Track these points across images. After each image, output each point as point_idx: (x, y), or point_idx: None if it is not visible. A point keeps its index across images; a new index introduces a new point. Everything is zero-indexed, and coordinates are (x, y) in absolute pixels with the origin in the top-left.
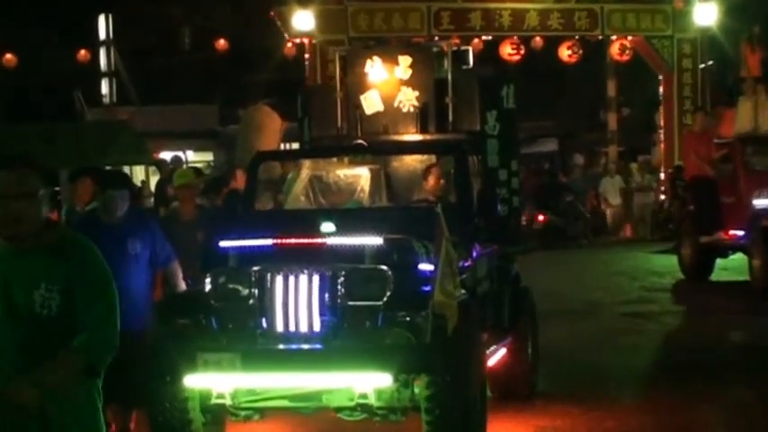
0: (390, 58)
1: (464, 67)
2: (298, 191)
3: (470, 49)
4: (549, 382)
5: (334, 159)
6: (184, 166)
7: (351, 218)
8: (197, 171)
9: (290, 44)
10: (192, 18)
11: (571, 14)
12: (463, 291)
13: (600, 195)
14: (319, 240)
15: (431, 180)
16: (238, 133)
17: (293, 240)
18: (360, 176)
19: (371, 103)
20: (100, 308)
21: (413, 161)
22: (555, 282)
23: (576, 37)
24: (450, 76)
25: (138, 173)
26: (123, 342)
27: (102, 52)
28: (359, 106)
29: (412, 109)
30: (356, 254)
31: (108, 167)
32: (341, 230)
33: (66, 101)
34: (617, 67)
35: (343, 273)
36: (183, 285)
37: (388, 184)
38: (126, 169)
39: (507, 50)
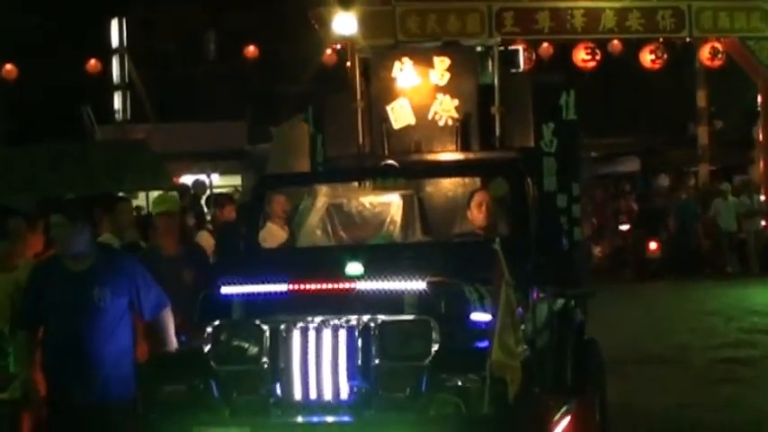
0: (424, 59)
1: (513, 70)
2: (313, 223)
3: (520, 48)
4: None
5: (356, 184)
6: (209, 191)
7: (383, 256)
8: (228, 197)
9: (329, 51)
10: (217, 22)
11: (653, 14)
12: (525, 346)
13: (709, 221)
14: (346, 285)
15: (474, 208)
16: (271, 153)
17: (313, 286)
18: (389, 205)
19: (401, 114)
20: None
21: (453, 185)
22: (635, 323)
23: (660, 39)
24: (497, 82)
25: None
26: (94, 415)
27: (115, 61)
28: (385, 119)
29: (450, 121)
30: (393, 302)
31: (121, 194)
32: (372, 272)
33: (73, 117)
34: (707, 73)
35: (377, 326)
36: (174, 341)
37: (423, 213)
38: (142, 195)
39: (581, 56)
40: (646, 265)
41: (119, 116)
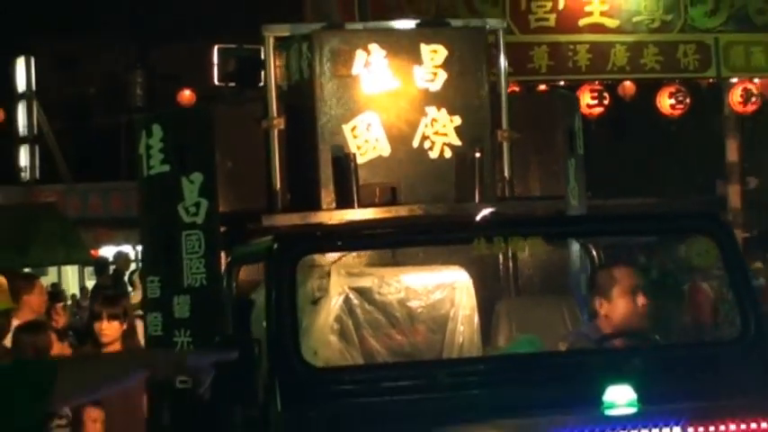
0: (404, 47)
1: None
2: (326, 323)
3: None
4: None
5: (380, 256)
6: (133, 265)
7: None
8: None
9: None
10: (145, 61)
11: (673, 49)
12: None
13: None
14: None
15: (618, 297)
16: None
17: None
18: (452, 287)
19: (366, 139)
20: None
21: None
22: None
23: (680, 81)
24: (503, 88)
25: (69, 276)
26: None
27: (21, 109)
28: (344, 145)
29: (448, 152)
30: None
31: (26, 269)
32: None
33: None
34: (739, 120)
35: None
36: None
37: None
38: (53, 271)
39: (586, 100)
40: None
41: (25, 175)
